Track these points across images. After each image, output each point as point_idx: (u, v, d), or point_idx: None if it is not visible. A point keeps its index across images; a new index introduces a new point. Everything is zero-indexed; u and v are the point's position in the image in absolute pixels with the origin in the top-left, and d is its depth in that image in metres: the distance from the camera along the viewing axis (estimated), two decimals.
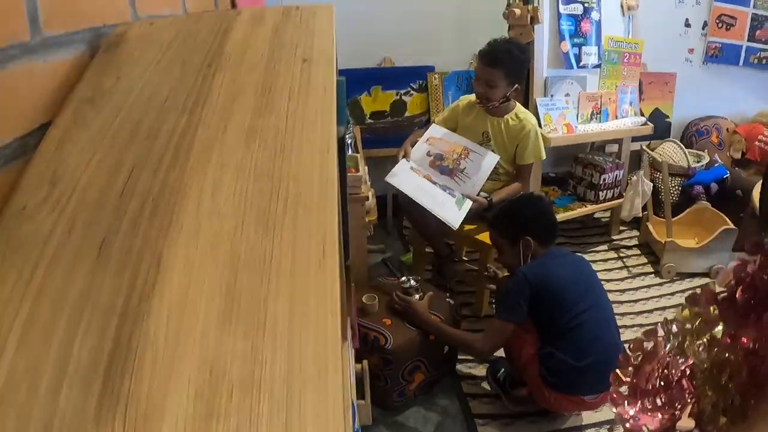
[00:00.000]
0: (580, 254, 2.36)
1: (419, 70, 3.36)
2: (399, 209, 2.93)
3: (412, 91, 3.37)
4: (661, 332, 0.87)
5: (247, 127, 0.69)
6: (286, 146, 0.66)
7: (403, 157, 2.57)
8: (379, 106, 3.34)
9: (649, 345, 0.87)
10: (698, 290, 0.85)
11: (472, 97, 2.68)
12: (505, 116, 2.62)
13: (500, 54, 2.47)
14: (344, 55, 3.22)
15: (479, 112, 2.65)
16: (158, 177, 0.62)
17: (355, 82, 3.28)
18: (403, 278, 2.30)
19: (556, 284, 1.96)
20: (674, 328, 0.86)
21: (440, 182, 2.47)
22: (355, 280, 2.21)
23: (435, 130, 2.66)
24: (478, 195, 2.52)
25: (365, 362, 1.78)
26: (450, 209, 2.36)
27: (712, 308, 0.82)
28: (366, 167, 2.67)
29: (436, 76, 3.36)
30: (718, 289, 0.83)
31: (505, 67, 2.48)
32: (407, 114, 3.38)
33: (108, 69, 0.80)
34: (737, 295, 0.79)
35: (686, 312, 0.86)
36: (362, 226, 2.33)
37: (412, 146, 2.65)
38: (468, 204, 2.43)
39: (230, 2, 1.66)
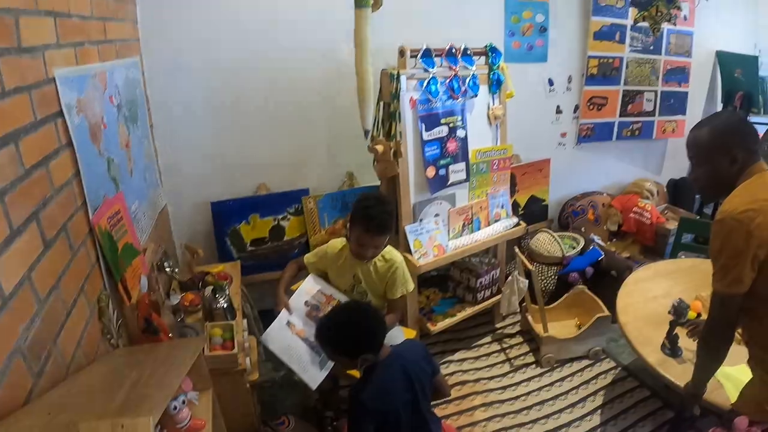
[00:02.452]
0: (413, 344, 2.31)
1: (294, 195, 3.46)
2: None
3: (289, 216, 3.47)
4: None
5: None
6: None
7: (284, 308, 2.65)
8: (259, 233, 3.43)
9: None
10: None
11: (339, 243, 2.78)
12: (374, 260, 2.73)
13: (386, 222, 2.58)
14: (221, 185, 3.33)
15: (348, 256, 2.74)
16: None
17: (233, 212, 3.36)
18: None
19: (395, 410, 2.02)
20: None
21: (312, 336, 2.57)
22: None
23: (311, 282, 2.75)
24: None
25: None
26: (313, 371, 2.50)
27: None
28: (244, 321, 2.76)
29: (311, 199, 3.46)
30: None
31: (390, 228, 2.62)
32: (286, 238, 3.49)
33: None
34: None
35: None
36: (245, 392, 2.41)
37: (286, 291, 2.74)
38: None
39: None
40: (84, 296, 1.68)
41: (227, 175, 3.39)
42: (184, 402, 1.58)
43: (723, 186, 1.83)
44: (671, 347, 2.40)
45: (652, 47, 4.24)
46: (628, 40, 4.15)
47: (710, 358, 1.86)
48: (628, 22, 4.08)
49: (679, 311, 2.42)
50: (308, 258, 2.80)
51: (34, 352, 1.29)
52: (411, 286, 2.81)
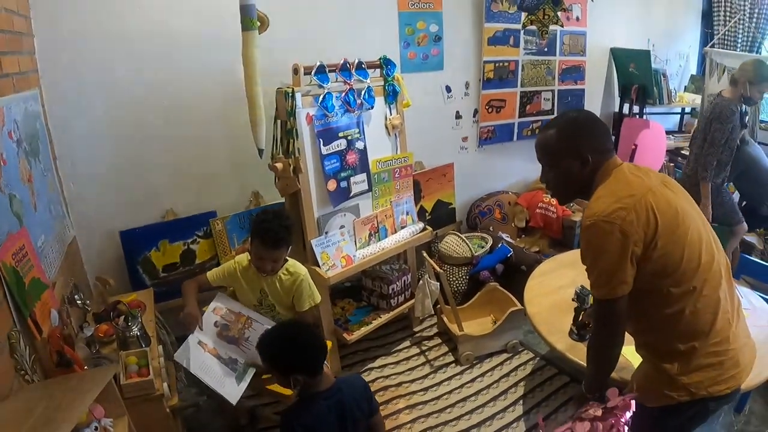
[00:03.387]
0: (355, 379, 2.31)
1: (202, 218, 3.48)
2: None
3: (198, 239, 3.48)
4: None
5: None
6: None
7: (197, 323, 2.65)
8: (169, 259, 3.43)
9: None
10: None
11: (245, 258, 2.81)
12: (278, 273, 2.77)
13: (282, 235, 2.63)
14: (129, 214, 3.31)
15: (252, 271, 2.78)
16: None
17: (142, 239, 3.35)
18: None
19: None
20: None
21: (226, 354, 2.62)
22: None
23: (219, 302, 2.77)
24: None
25: None
26: (230, 386, 2.53)
27: None
28: (160, 348, 2.78)
29: (219, 221, 3.49)
30: None
31: (288, 242, 2.69)
32: (198, 261, 3.50)
33: None
34: None
35: None
36: (165, 416, 2.41)
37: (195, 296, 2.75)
38: (251, 373, 2.61)
39: None
40: None
41: (134, 203, 3.38)
42: (96, 429, 1.60)
43: (576, 188, 1.82)
44: (578, 332, 2.51)
45: (546, 49, 4.46)
46: (522, 44, 4.35)
47: (606, 363, 1.84)
48: (521, 26, 4.27)
49: (581, 297, 2.54)
50: (212, 275, 2.81)
51: None
52: (318, 297, 2.87)
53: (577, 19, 4.60)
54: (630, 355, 2.07)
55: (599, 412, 1.66)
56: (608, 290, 1.66)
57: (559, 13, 3.82)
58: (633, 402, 1.66)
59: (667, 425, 1.80)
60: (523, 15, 4.23)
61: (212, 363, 2.58)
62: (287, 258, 2.79)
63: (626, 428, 1.63)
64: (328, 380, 2.12)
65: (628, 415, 1.62)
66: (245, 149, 3.30)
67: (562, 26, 4.24)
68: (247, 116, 2.90)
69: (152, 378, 2.34)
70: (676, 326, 1.70)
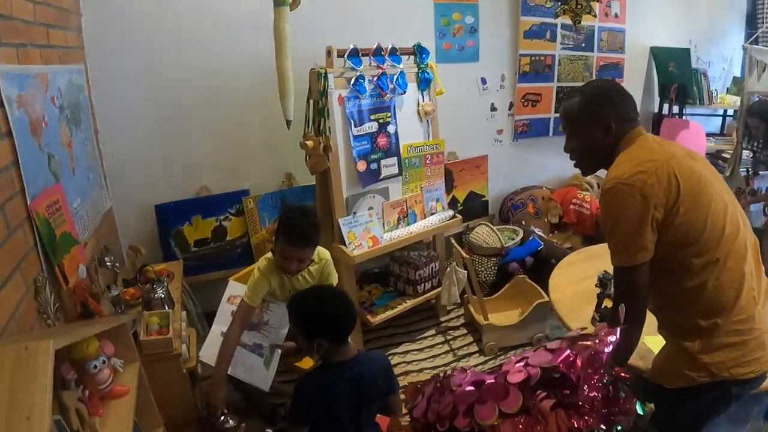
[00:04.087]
0: (378, 356, 2.27)
1: (235, 196, 3.56)
2: None
3: (230, 216, 3.56)
4: None
5: None
6: None
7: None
8: (201, 234, 3.52)
9: None
10: None
11: (264, 261, 2.69)
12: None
13: (310, 232, 2.54)
14: (163, 188, 3.42)
15: (278, 273, 2.67)
16: None
17: (176, 213, 3.45)
18: (221, 418, 2.47)
19: (331, 408, 2.01)
20: None
21: (249, 341, 2.65)
22: (185, 421, 2.47)
23: (233, 290, 2.80)
24: (286, 340, 2.67)
25: None
26: (259, 373, 2.57)
27: None
28: (183, 314, 2.84)
29: (251, 200, 3.57)
30: None
31: (315, 242, 2.60)
32: (228, 238, 3.58)
33: None
34: None
35: None
36: (182, 377, 2.49)
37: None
38: (278, 355, 2.63)
39: None
40: (20, 273, 1.77)
41: (170, 178, 3.50)
42: (104, 362, 1.64)
43: (599, 157, 1.79)
44: (601, 319, 2.41)
45: (583, 44, 4.42)
46: (558, 39, 4.33)
47: (629, 337, 1.70)
48: (558, 20, 4.26)
49: (604, 282, 2.50)
50: (252, 300, 2.62)
51: None
52: (336, 278, 2.82)
53: (616, 15, 4.56)
54: (651, 342, 2.00)
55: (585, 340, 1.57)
56: (628, 256, 1.61)
57: (593, 4, 3.77)
58: (618, 330, 1.56)
59: (687, 408, 1.73)
60: (557, 5, 4.21)
61: (238, 353, 2.58)
62: (313, 258, 2.68)
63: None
64: (350, 352, 2.11)
65: (611, 339, 1.50)
66: (280, 131, 3.36)
67: (595, 16, 4.19)
68: None
69: (171, 337, 2.41)
70: (698, 301, 1.65)
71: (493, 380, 1.50)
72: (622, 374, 1.50)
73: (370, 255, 3.29)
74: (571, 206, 4.37)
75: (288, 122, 3.02)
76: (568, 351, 1.41)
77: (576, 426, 1.28)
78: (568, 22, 4.25)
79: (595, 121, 1.74)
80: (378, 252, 3.33)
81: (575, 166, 1.92)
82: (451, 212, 3.69)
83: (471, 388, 1.49)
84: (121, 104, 3.29)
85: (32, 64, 2.17)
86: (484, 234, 3.93)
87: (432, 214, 3.62)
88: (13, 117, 1.86)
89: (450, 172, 4.00)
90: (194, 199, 3.54)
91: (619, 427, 1.35)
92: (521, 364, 1.49)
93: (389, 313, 3.46)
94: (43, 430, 1.00)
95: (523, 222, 4.28)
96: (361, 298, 3.59)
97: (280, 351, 2.64)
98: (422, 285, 3.62)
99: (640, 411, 1.46)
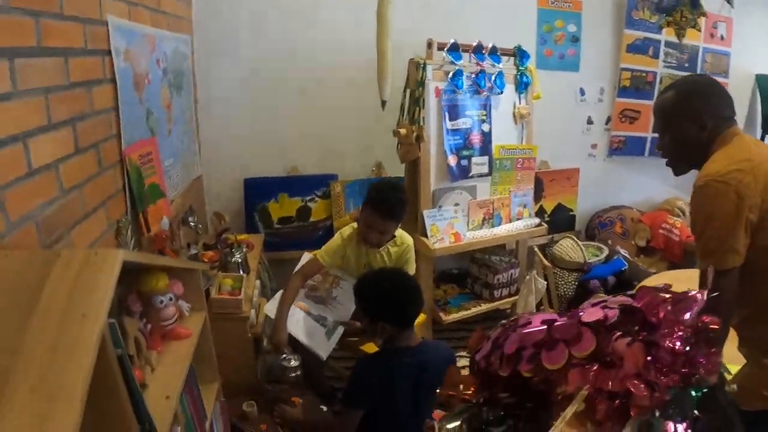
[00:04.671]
0: (443, 347, 2.23)
1: (323, 179, 3.61)
2: None
3: (316, 198, 3.61)
4: None
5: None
6: None
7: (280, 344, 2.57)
8: (286, 212, 3.57)
9: None
10: None
11: (348, 229, 2.75)
12: (386, 246, 2.71)
13: (396, 206, 2.56)
14: (255, 163, 3.51)
15: (358, 244, 2.72)
16: None
17: (263, 189, 3.54)
18: (284, 355, 2.48)
19: (391, 395, 1.98)
20: None
21: (315, 312, 2.65)
22: (242, 387, 2.49)
23: (305, 261, 2.79)
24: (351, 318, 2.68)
25: None
26: (319, 340, 2.55)
27: None
28: (258, 282, 2.89)
29: (339, 184, 3.60)
30: None
31: (400, 216, 2.62)
32: (312, 219, 3.62)
33: None
34: None
35: None
36: (245, 340, 2.55)
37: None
38: (340, 331, 2.62)
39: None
40: (104, 210, 1.85)
41: (261, 154, 3.59)
42: (171, 300, 1.65)
43: (693, 156, 1.69)
44: None
45: (687, 64, 4.24)
46: (661, 56, 4.17)
47: None
48: (662, 37, 4.11)
49: None
50: (323, 258, 2.69)
51: (46, 227, 1.45)
52: (414, 268, 2.81)
53: (722, 38, 4.35)
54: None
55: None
56: (717, 258, 1.51)
57: (698, 18, 3.62)
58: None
59: None
60: (662, 17, 4.07)
61: (301, 318, 2.60)
62: (395, 234, 2.71)
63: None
64: (414, 339, 2.08)
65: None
66: (375, 121, 3.42)
67: (699, 30, 4.02)
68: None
69: (242, 299, 2.46)
70: None
71: (565, 319, 1.36)
72: (712, 325, 1.36)
73: (451, 251, 3.25)
74: (661, 231, 4.18)
75: (383, 103, 3.06)
76: (651, 295, 1.28)
77: (654, 379, 1.13)
78: (673, 39, 4.11)
79: (689, 116, 1.66)
80: (459, 249, 3.28)
81: (667, 164, 1.81)
82: (537, 220, 3.60)
83: (541, 327, 1.35)
84: (222, 78, 3.42)
85: (142, 24, 2.29)
86: (569, 247, 3.82)
87: (518, 219, 3.54)
88: (119, 67, 1.96)
89: (540, 180, 3.91)
90: (283, 177, 3.61)
91: (697, 392, 1.19)
92: (599, 305, 1.35)
93: (462, 314, 3.41)
94: (97, 328, 1.01)
95: (609, 241, 4.12)
96: (436, 296, 3.53)
97: (343, 327, 2.63)
98: (499, 290, 3.54)
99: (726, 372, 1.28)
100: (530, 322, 1.38)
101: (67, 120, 1.59)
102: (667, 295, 1.18)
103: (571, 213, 4.19)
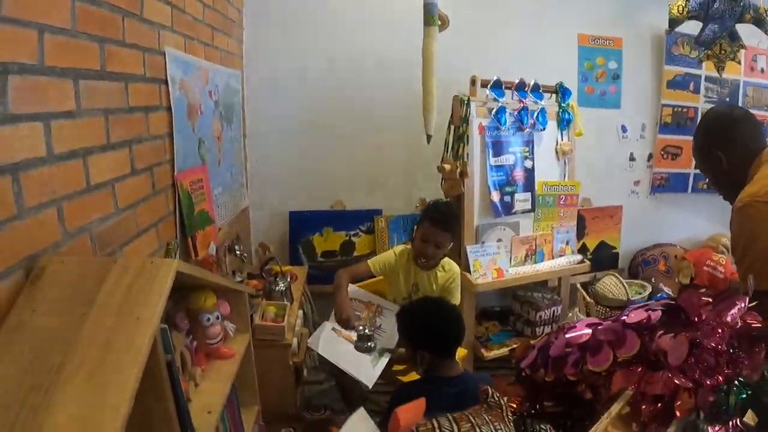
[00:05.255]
0: (485, 378, 2.19)
1: (368, 214, 3.67)
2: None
3: (360, 233, 3.66)
4: None
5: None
6: None
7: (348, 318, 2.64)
8: (330, 246, 3.62)
9: None
10: None
11: (401, 248, 2.87)
12: (434, 270, 2.79)
13: (453, 219, 2.72)
14: (300, 196, 3.58)
15: (408, 263, 2.80)
16: None
17: (308, 222, 3.60)
18: (360, 327, 2.53)
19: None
20: None
21: (360, 342, 2.67)
22: (281, 415, 2.55)
23: (353, 291, 2.80)
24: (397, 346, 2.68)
25: None
26: (365, 369, 2.53)
27: None
28: (300, 312, 2.93)
29: (383, 219, 3.64)
30: None
31: (455, 231, 2.74)
32: (355, 254, 3.65)
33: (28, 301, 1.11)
34: None
35: None
36: (287, 368, 2.60)
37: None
38: (386, 359, 2.60)
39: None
40: (155, 231, 1.91)
41: (307, 188, 3.68)
42: (218, 318, 1.70)
43: (729, 184, 1.71)
44: None
45: (728, 98, 4.22)
46: (702, 91, 4.16)
47: None
48: (703, 72, 4.11)
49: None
50: (373, 264, 2.82)
51: (100, 241, 1.50)
52: (459, 298, 2.86)
53: (762, 71, 4.32)
54: None
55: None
56: (761, 280, 1.42)
57: (737, 51, 3.60)
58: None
59: None
60: (701, 50, 4.05)
61: (348, 349, 2.59)
62: (444, 258, 2.79)
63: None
64: (456, 369, 2.07)
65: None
66: (420, 158, 3.48)
67: (739, 63, 4.00)
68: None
69: (284, 326, 2.51)
70: None
71: (609, 322, 1.35)
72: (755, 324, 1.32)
73: (493, 286, 3.25)
74: (705, 268, 4.09)
75: (428, 137, 3.09)
76: (694, 296, 1.26)
77: (698, 379, 1.11)
78: (713, 74, 4.08)
79: (707, 151, 1.73)
80: (501, 285, 3.28)
81: (723, 198, 1.83)
82: (579, 257, 3.58)
83: (586, 330, 1.34)
84: (271, 112, 3.54)
85: (196, 57, 2.40)
86: (611, 285, 3.76)
87: (560, 256, 3.52)
88: (174, 96, 2.05)
89: (582, 218, 3.89)
90: (328, 211, 3.67)
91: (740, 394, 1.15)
92: (642, 308, 1.34)
93: (503, 351, 3.37)
94: (150, 331, 1.06)
95: (653, 279, 4.06)
96: (477, 332, 3.51)
97: (389, 355, 2.62)
98: (541, 327, 3.48)
99: None
100: (575, 327, 1.40)
101: (125, 141, 1.66)
102: (710, 297, 1.18)
103: (614, 251, 4.15)
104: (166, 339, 1.19)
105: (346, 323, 2.57)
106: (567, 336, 1.35)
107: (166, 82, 1.99)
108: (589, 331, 1.32)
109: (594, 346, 1.28)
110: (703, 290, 1.48)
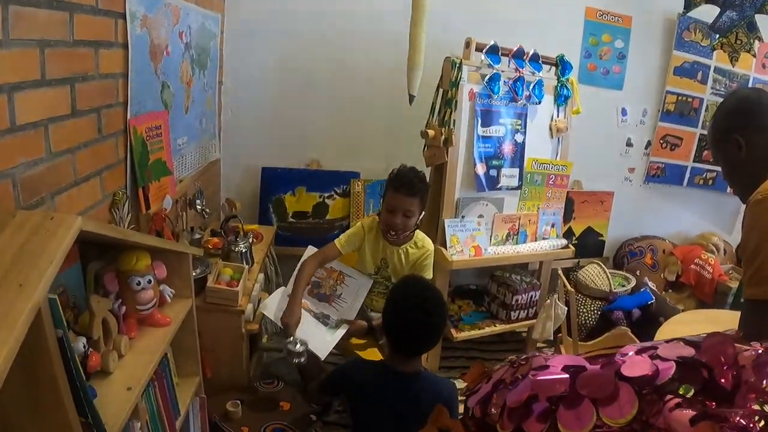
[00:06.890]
0: (445, 384, 2.04)
1: (344, 176, 3.46)
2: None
3: (335, 195, 3.45)
4: None
5: None
6: None
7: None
8: (302, 207, 3.42)
9: None
10: None
11: (369, 220, 2.68)
12: (404, 245, 2.61)
13: (418, 183, 2.48)
14: (274, 152, 3.38)
15: (377, 237, 2.62)
16: None
17: (281, 180, 3.39)
18: (290, 339, 2.29)
19: (371, 406, 1.94)
20: None
21: (317, 310, 2.50)
22: (230, 385, 2.38)
23: (311, 253, 2.65)
24: (356, 317, 2.55)
25: None
26: (319, 339, 2.38)
27: None
28: (261, 276, 2.74)
29: (360, 183, 3.44)
30: None
31: (421, 196, 2.50)
32: (328, 217, 3.46)
33: None
34: None
35: None
36: (239, 336, 2.42)
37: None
38: (343, 329, 2.46)
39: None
40: (99, 180, 1.74)
41: (282, 144, 3.47)
42: (149, 282, 1.51)
43: (746, 176, 1.53)
44: None
45: None
46: (710, 82, 3.95)
47: None
48: (712, 62, 3.90)
49: None
50: (341, 244, 2.60)
51: (26, 188, 1.32)
52: (431, 275, 2.68)
53: None
54: None
55: None
56: None
57: (754, 42, 3.41)
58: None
59: None
60: (714, 38, 3.85)
61: (303, 317, 2.42)
62: (418, 224, 2.59)
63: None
64: (413, 368, 1.96)
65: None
66: (402, 122, 3.26)
67: (754, 56, 3.80)
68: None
69: (238, 291, 2.33)
70: None
71: (597, 368, 0.91)
72: None
73: (470, 264, 3.08)
74: (692, 266, 3.95)
75: (411, 97, 2.88)
76: (727, 343, 0.84)
77: None
78: (722, 65, 3.89)
79: (726, 136, 1.55)
80: (478, 263, 3.11)
81: (735, 193, 1.64)
82: (564, 241, 3.41)
83: (562, 375, 0.93)
84: (249, 62, 3.31)
85: None
86: (594, 274, 3.60)
87: (544, 238, 3.36)
88: (134, 33, 1.87)
89: (571, 200, 3.71)
90: (303, 170, 3.47)
91: None
92: (646, 354, 0.90)
93: (474, 333, 3.21)
94: (32, 300, 0.89)
95: (638, 272, 3.90)
96: (450, 311, 3.34)
97: (347, 326, 2.48)
98: (517, 312, 3.33)
99: None
100: (548, 367, 1.01)
101: (65, 79, 1.48)
102: (749, 349, 0.84)
103: (600, 238, 3.98)
104: (56, 311, 0.99)
105: (285, 327, 2.34)
106: (535, 379, 0.94)
107: (124, 16, 1.78)
108: (566, 376, 0.93)
109: (571, 398, 0.90)
110: (733, 333, 1.02)
